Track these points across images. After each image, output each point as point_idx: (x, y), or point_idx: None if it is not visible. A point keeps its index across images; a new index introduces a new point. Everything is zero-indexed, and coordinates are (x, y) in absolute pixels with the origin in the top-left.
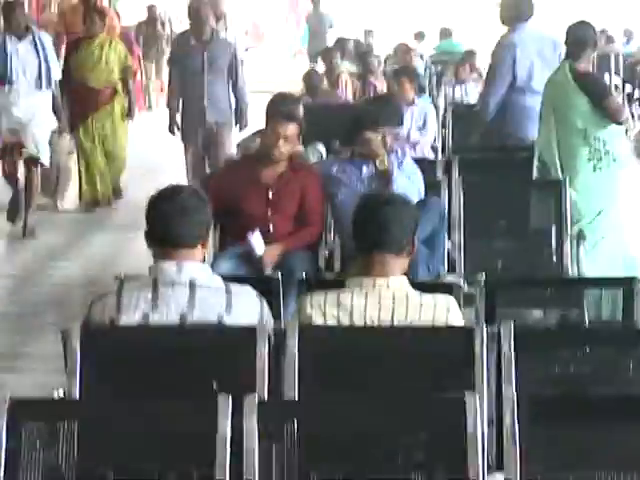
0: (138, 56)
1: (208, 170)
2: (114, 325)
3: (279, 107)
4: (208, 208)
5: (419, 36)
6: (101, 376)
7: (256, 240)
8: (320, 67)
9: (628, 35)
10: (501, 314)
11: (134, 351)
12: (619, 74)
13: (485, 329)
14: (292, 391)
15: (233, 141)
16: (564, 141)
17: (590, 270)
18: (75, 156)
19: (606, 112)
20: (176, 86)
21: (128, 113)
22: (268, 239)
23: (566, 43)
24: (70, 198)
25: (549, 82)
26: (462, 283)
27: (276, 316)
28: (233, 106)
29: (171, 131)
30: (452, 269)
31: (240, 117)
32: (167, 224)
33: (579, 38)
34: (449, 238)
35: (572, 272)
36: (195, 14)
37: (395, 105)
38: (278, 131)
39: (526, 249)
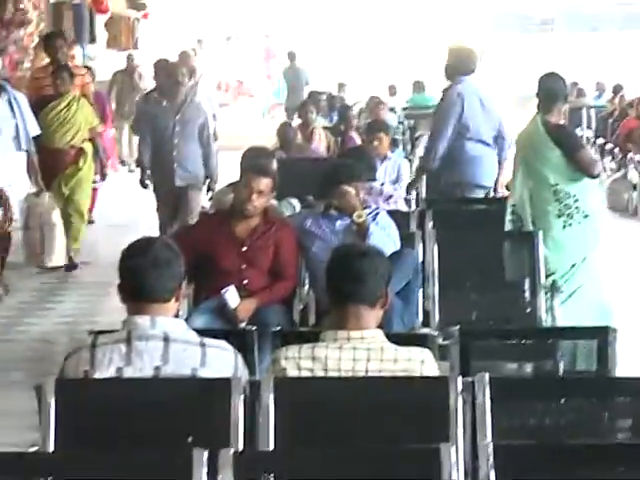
0: (111, 111)
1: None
2: (88, 379)
3: (252, 161)
4: (181, 260)
5: (392, 90)
6: (76, 430)
7: (230, 295)
8: (295, 121)
9: (599, 88)
10: (475, 367)
11: (108, 405)
12: (591, 127)
13: (460, 379)
14: (267, 443)
15: (202, 202)
16: (536, 196)
17: (565, 320)
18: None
19: (579, 165)
20: (145, 145)
21: (100, 173)
22: (242, 293)
23: (537, 95)
24: (59, 254)
25: (521, 135)
26: (437, 336)
27: (251, 370)
28: (202, 170)
29: (143, 185)
30: (427, 322)
31: (210, 185)
32: (140, 278)
33: (550, 90)
34: (423, 290)
35: (546, 323)
36: (169, 74)
37: (369, 159)
38: (251, 185)
39: (500, 301)
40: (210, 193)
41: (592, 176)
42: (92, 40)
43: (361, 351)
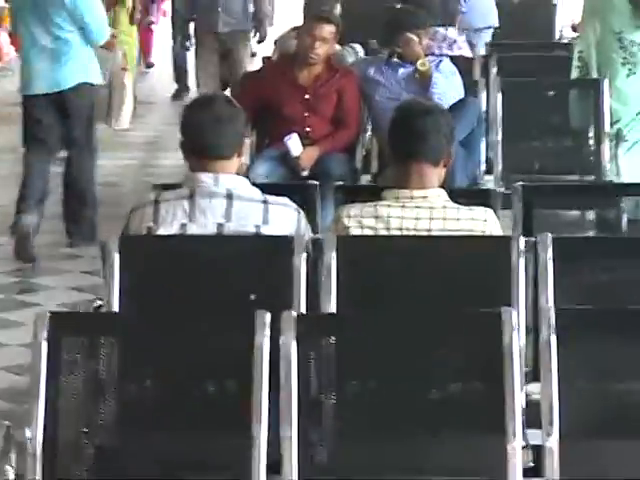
0: None
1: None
2: (152, 235)
3: (315, 6)
4: (243, 117)
5: None
6: (139, 287)
7: (293, 143)
8: None
9: None
10: (538, 218)
11: (172, 262)
12: None
13: (522, 240)
14: (329, 304)
15: (250, 53)
16: (602, 42)
17: (629, 169)
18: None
19: None
20: None
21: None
22: (305, 141)
23: None
24: (125, 118)
25: None
26: (500, 186)
27: (314, 225)
28: (250, 15)
29: (183, 46)
30: (490, 170)
31: (258, 27)
32: (202, 134)
33: None
34: (487, 139)
35: (610, 172)
36: None
37: (432, 3)
38: (314, 33)
39: (564, 149)
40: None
41: None
42: None
43: (424, 210)
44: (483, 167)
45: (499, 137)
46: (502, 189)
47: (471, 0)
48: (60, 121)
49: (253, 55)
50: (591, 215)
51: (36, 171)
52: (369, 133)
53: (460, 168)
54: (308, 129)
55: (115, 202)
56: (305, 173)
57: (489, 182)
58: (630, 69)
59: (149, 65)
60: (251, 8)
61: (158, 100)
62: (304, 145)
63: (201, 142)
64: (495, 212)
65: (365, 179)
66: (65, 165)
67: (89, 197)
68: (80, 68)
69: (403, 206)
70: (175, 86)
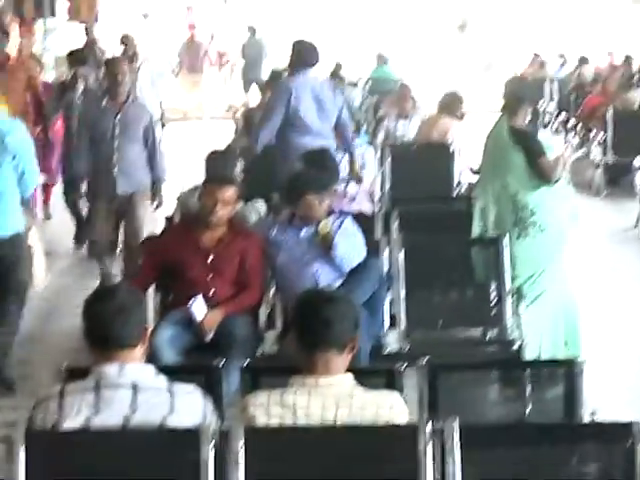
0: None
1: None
2: (56, 430)
3: (215, 169)
4: (145, 304)
5: (338, 67)
6: None
7: (197, 307)
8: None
9: (562, 59)
10: (444, 390)
11: (77, 456)
12: (553, 100)
13: (429, 427)
14: None
15: (148, 213)
16: (497, 202)
17: (530, 324)
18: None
19: (539, 169)
20: (80, 152)
21: None
22: (209, 303)
23: (503, 98)
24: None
25: (488, 136)
26: (404, 344)
27: (219, 402)
28: (148, 176)
29: (76, 207)
30: (394, 325)
31: (155, 192)
32: (107, 326)
33: (515, 94)
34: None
35: (511, 328)
36: (109, 73)
37: (333, 163)
38: (215, 196)
39: (467, 304)
40: (156, 200)
41: (549, 182)
42: (52, 13)
43: (330, 398)
44: (387, 323)
45: (402, 294)
46: (407, 347)
47: None
48: None
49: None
50: (495, 390)
51: None
52: (272, 291)
53: (364, 330)
54: (212, 291)
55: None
56: (210, 336)
57: (393, 339)
58: (519, 232)
59: (48, 217)
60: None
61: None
62: (209, 307)
63: (105, 333)
64: (400, 389)
65: (270, 336)
66: None
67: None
68: (15, 218)
69: (309, 393)
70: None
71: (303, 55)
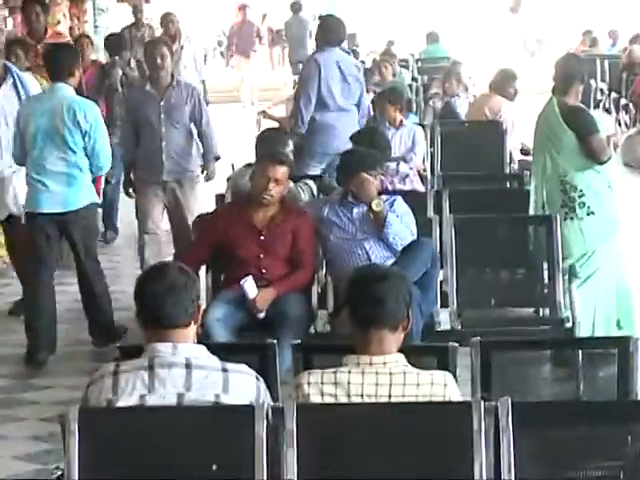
0: None
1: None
2: (111, 408)
3: (268, 147)
4: (197, 283)
5: (390, 44)
6: (100, 459)
7: (249, 286)
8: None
9: (613, 37)
10: (496, 370)
11: (132, 433)
12: (605, 80)
13: (482, 405)
14: (292, 471)
15: (199, 198)
16: (548, 181)
17: (583, 303)
18: None
19: (589, 149)
20: (127, 140)
21: None
22: (261, 282)
23: (554, 78)
24: None
25: (539, 117)
26: (455, 324)
27: (273, 381)
28: (199, 159)
29: (127, 194)
30: (445, 304)
31: (207, 166)
32: (159, 305)
33: (566, 72)
34: (442, 271)
35: (564, 306)
36: (149, 55)
37: (383, 140)
38: (268, 175)
39: (519, 283)
40: (205, 178)
41: (600, 162)
42: None
43: (384, 376)
44: (439, 302)
45: (454, 273)
46: (458, 326)
47: None
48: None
49: None
50: (548, 369)
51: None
52: (324, 270)
53: (416, 308)
54: (264, 270)
55: None
56: (262, 315)
57: (444, 318)
58: (567, 212)
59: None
60: (199, 148)
61: None
62: (260, 286)
63: (157, 313)
64: (453, 367)
65: (322, 315)
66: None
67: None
68: (87, 190)
69: (363, 372)
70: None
71: (330, 31)
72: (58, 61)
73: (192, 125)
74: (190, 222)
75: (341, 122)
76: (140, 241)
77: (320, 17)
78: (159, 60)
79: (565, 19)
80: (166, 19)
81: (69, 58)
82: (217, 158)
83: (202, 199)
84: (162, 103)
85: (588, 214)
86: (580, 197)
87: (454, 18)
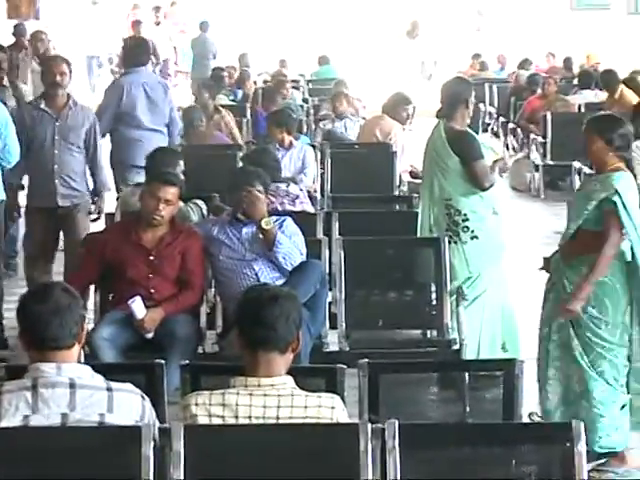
0: None
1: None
2: None
3: (159, 167)
4: (81, 303)
5: (282, 64)
6: None
7: (137, 306)
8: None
9: (502, 61)
10: (383, 389)
11: (16, 454)
12: (493, 104)
13: (370, 426)
14: None
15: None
16: (435, 205)
17: (469, 324)
18: None
19: (472, 174)
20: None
21: None
22: (150, 302)
23: (440, 101)
24: None
25: (428, 140)
26: (343, 345)
27: (160, 402)
28: (90, 186)
29: (11, 218)
30: (334, 325)
31: (96, 203)
32: (43, 327)
33: (452, 96)
34: (331, 292)
35: (452, 328)
36: (45, 72)
37: (274, 160)
38: (158, 195)
39: (406, 304)
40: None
41: (482, 188)
42: None
43: (272, 398)
44: (327, 323)
45: (342, 294)
46: (347, 348)
47: None
48: None
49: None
50: (434, 390)
51: None
52: (213, 290)
53: (305, 330)
54: (152, 290)
55: None
56: (150, 335)
57: (333, 339)
58: (451, 236)
59: None
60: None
61: None
62: (148, 306)
63: (41, 334)
64: (341, 389)
65: (210, 336)
66: None
67: None
68: None
69: (251, 394)
70: None
71: (134, 53)
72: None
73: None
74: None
75: (149, 140)
76: (26, 265)
77: (124, 39)
78: (58, 77)
79: (457, 42)
80: (35, 37)
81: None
82: (108, 189)
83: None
84: (58, 123)
85: (472, 238)
86: (464, 221)
87: (347, 40)
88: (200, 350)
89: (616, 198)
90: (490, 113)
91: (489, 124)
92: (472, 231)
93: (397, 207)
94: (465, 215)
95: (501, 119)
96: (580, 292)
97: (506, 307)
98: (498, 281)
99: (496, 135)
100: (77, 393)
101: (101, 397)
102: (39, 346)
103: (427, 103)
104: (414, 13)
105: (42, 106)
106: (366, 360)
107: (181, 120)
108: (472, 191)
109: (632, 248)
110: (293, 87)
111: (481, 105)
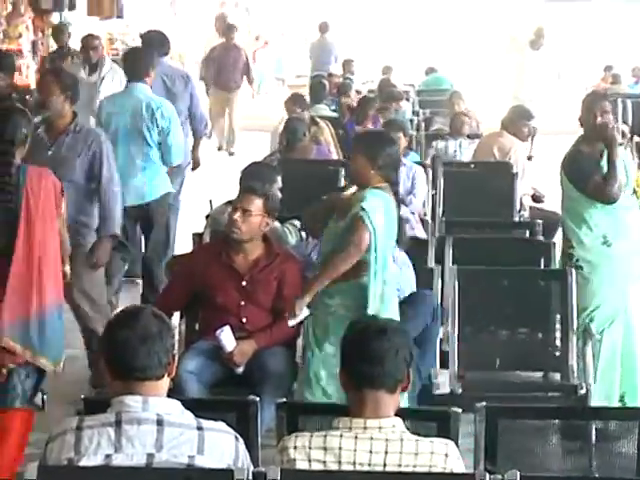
0: None
1: None
2: (73, 466)
3: (249, 179)
4: (172, 330)
5: (386, 70)
6: None
7: (226, 337)
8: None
9: (636, 74)
10: (502, 438)
11: None
12: (627, 122)
13: (488, 477)
14: None
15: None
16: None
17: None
18: None
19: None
20: None
21: None
22: (240, 333)
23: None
24: None
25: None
26: (455, 386)
27: (254, 442)
28: (92, 225)
29: None
30: (444, 365)
31: (96, 247)
32: (129, 355)
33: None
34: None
35: (578, 371)
36: (39, 89)
37: None
38: (237, 205)
39: (527, 343)
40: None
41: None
42: (72, 7)
43: (379, 442)
44: (438, 362)
45: (456, 330)
46: (459, 390)
47: None
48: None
49: None
50: (558, 440)
51: None
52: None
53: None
54: (244, 320)
55: None
56: (240, 370)
57: (444, 380)
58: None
59: None
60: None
61: None
62: (239, 338)
63: (128, 363)
64: (455, 434)
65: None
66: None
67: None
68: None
69: (356, 437)
70: None
71: (152, 44)
72: (134, 62)
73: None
74: (89, 309)
75: None
76: None
77: (140, 35)
78: (54, 94)
79: (585, 53)
80: (88, 43)
81: (145, 58)
82: (115, 236)
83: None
84: (50, 153)
85: (576, 268)
86: (569, 248)
87: (457, 47)
88: (295, 387)
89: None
90: (623, 132)
91: (621, 144)
92: (577, 260)
93: (517, 234)
94: (570, 242)
95: (636, 138)
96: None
97: (627, 351)
98: (615, 321)
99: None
100: (165, 431)
101: (191, 436)
102: (125, 376)
103: (547, 121)
104: (537, 20)
105: (40, 131)
106: (483, 403)
107: (284, 131)
108: (581, 217)
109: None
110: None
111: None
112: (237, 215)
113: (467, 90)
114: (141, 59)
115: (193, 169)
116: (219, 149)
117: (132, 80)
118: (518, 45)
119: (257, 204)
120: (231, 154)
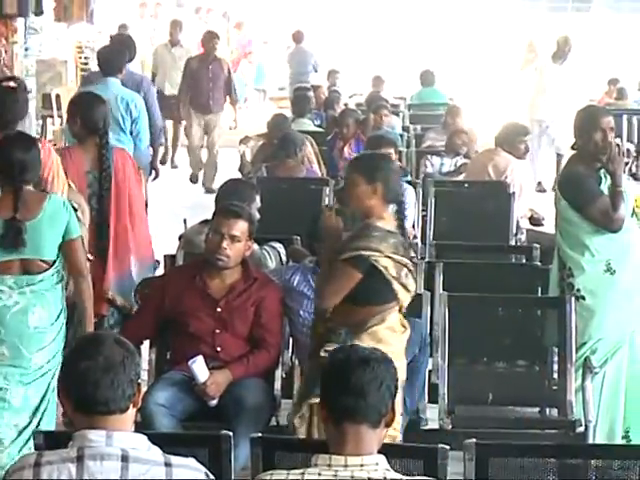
0: None
1: None
2: None
3: (227, 199)
4: (137, 358)
5: (377, 81)
6: None
7: (198, 367)
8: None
9: None
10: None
11: None
12: (632, 140)
13: None
14: None
15: None
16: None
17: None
18: None
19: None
20: None
21: None
22: (214, 363)
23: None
24: None
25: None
26: (445, 423)
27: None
28: None
29: None
30: (433, 399)
31: None
32: (91, 387)
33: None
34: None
35: (576, 406)
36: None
37: None
38: (222, 231)
39: (522, 377)
40: None
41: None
42: (38, 12)
43: None
44: (427, 396)
45: (445, 361)
46: (449, 425)
47: None
48: None
49: None
50: (554, 479)
51: None
52: (290, 352)
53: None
54: (218, 348)
55: None
56: (213, 403)
57: (432, 414)
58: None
59: None
60: None
61: None
62: (213, 368)
63: (90, 397)
64: (443, 474)
65: (285, 405)
66: None
67: None
68: None
69: (336, 475)
70: None
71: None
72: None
73: None
74: None
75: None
76: None
77: (111, 36)
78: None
79: (588, 66)
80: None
81: (119, 56)
82: None
83: None
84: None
85: (577, 298)
86: (568, 277)
87: (456, 57)
88: (274, 422)
89: None
90: (628, 150)
91: (627, 163)
92: (578, 290)
93: (513, 259)
94: (570, 270)
95: None
96: None
97: (632, 383)
98: (619, 351)
99: (635, 177)
100: (130, 468)
101: (158, 473)
102: (86, 410)
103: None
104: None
105: None
106: (473, 440)
107: (277, 143)
108: (581, 242)
109: None
110: (392, 112)
111: (617, 140)
112: (225, 243)
113: (464, 105)
114: (116, 56)
115: (154, 179)
116: (192, 181)
117: (107, 75)
118: (537, 58)
119: (242, 228)
120: (209, 191)
